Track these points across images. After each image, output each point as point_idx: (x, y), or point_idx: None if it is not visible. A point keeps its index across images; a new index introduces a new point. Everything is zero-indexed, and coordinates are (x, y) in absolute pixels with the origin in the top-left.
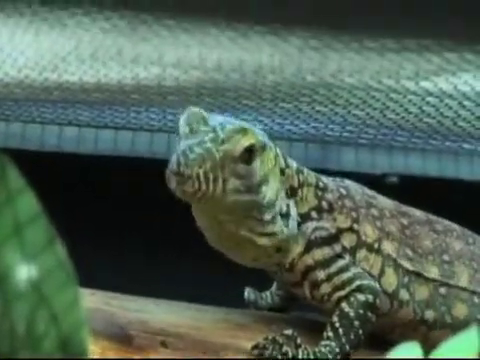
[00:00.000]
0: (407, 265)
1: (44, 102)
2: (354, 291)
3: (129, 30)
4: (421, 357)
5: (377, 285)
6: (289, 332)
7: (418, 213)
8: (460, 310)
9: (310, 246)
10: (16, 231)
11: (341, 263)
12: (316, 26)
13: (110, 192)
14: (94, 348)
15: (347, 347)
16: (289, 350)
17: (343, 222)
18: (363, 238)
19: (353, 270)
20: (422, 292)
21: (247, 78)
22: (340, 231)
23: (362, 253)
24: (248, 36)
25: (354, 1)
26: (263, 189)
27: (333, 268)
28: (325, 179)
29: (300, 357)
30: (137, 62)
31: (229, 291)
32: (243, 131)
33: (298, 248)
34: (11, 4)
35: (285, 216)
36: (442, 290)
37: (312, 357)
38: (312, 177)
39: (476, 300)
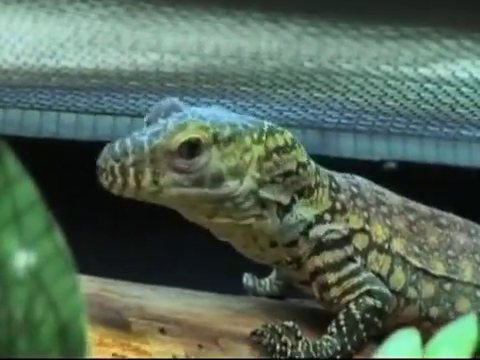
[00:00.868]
0: (415, 262)
1: (42, 88)
2: (363, 295)
3: (128, 16)
4: (418, 345)
5: (388, 291)
6: (290, 324)
7: (423, 208)
8: (463, 305)
9: (321, 248)
10: (14, 218)
11: (352, 267)
12: (314, 13)
13: None
14: (92, 335)
15: (349, 347)
16: (288, 340)
17: (355, 223)
18: (374, 239)
19: (364, 274)
20: (428, 289)
21: (245, 64)
22: (353, 232)
23: (373, 255)
24: (246, 23)
25: None
26: (228, 183)
27: (344, 271)
28: (337, 177)
29: (299, 349)
30: (135, 48)
31: (228, 277)
32: (182, 126)
33: (305, 247)
34: None
35: (284, 209)
36: (447, 286)
37: (311, 350)
38: (326, 178)
39: (479, 294)
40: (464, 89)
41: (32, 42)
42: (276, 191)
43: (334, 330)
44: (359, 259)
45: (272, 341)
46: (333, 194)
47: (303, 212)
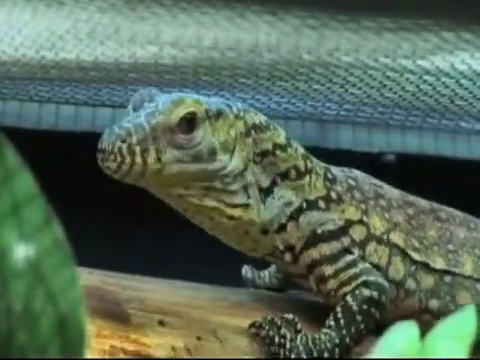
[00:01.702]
0: (414, 255)
1: (41, 80)
2: (360, 286)
3: (127, 9)
4: (417, 337)
5: (385, 282)
6: (290, 316)
7: (423, 202)
8: (464, 298)
9: (316, 240)
10: (13, 210)
11: (349, 258)
12: (313, 5)
13: None
14: (90, 327)
15: (347, 340)
16: (287, 333)
17: (353, 214)
18: (372, 231)
19: (360, 266)
20: (428, 281)
21: (244, 57)
22: (349, 223)
23: (372, 246)
24: (245, 15)
25: None
26: (220, 157)
27: (341, 263)
28: (334, 170)
29: (298, 342)
30: (134, 41)
31: (227, 269)
32: (179, 101)
33: (297, 233)
34: None
35: (265, 192)
36: (447, 279)
37: (310, 344)
38: (321, 168)
39: (479, 287)
40: (463, 81)
41: (31, 34)
42: (256, 172)
43: (332, 323)
44: (356, 250)
45: (271, 333)
46: (328, 184)
47: (287, 194)
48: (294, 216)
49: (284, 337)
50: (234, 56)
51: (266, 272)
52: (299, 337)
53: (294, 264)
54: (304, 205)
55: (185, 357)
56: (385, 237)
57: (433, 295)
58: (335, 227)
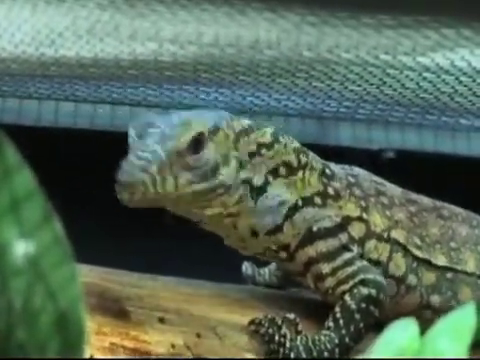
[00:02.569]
0: (416, 252)
1: (41, 77)
2: (357, 284)
3: (126, 6)
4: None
5: (382, 279)
6: (291, 316)
7: (425, 200)
8: (465, 295)
9: (313, 237)
10: (13, 207)
11: (347, 256)
12: (313, 2)
13: (107, 167)
14: (90, 324)
15: (347, 339)
16: (288, 332)
17: (351, 211)
18: (372, 228)
19: (358, 263)
20: (429, 277)
21: (244, 54)
22: (348, 220)
23: (372, 243)
24: (245, 12)
25: None
26: (222, 171)
27: (338, 261)
28: (334, 167)
29: (298, 342)
30: (134, 38)
31: (227, 266)
32: (186, 123)
33: (292, 231)
34: None
35: (257, 190)
36: (449, 275)
37: (310, 345)
38: (318, 163)
39: None
40: (463, 78)
41: (31, 31)
42: (248, 172)
43: (331, 324)
44: (355, 248)
45: (270, 331)
46: (325, 180)
47: (280, 193)
48: (290, 215)
49: (284, 336)
50: (234, 53)
51: (266, 269)
52: (299, 338)
53: (291, 262)
54: (300, 203)
55: (185, 354)
56: (386, 234)
57: (434, 291)
58: (332, 224)
